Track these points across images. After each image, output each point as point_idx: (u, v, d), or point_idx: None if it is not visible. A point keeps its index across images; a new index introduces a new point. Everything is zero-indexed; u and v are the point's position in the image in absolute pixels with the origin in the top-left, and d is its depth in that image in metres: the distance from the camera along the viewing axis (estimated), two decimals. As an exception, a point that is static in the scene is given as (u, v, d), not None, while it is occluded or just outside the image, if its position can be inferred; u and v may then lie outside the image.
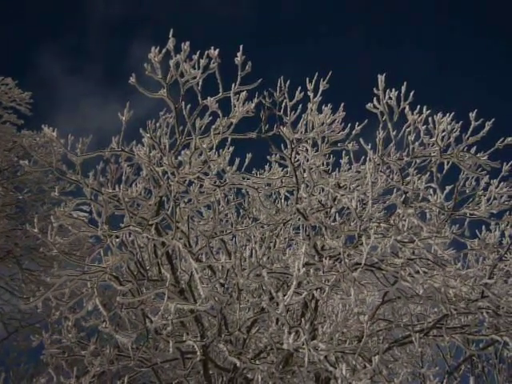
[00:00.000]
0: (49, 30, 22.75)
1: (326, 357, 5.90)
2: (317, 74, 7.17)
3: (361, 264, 5.99)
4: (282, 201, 8.40)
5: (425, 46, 23.15)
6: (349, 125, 7.48)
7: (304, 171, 7.25)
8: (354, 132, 7.53)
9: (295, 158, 7.37)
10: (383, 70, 7.08)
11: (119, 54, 25.24)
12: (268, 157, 8.01)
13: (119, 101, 26.43)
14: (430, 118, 7.24)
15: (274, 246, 7.38)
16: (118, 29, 24.39)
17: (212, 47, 6.42)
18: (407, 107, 7.22)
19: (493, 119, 7.26)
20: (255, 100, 6.86)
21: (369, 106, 7.22)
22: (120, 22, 24.59)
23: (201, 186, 6.96)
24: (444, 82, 22.58)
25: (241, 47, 6.36)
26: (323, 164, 7.73)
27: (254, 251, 6.61)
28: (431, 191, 7.38)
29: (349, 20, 23.04)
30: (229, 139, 7.02)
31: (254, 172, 8.25)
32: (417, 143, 7.31)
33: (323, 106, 7.35)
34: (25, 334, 11.75)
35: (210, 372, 7.16)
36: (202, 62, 6.43)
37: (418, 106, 7.27)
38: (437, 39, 22.71)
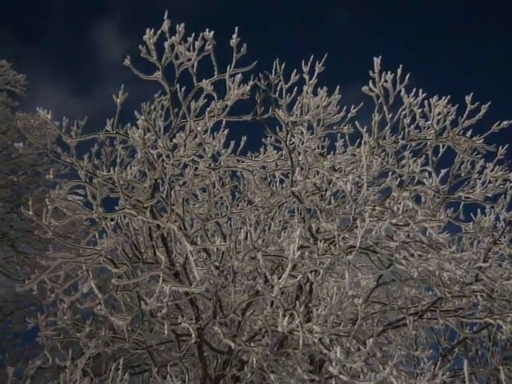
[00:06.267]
0: (6, 11, 22.37)
1: (320, 339, 5.92)
2: (312, 56, 7.15)
3: (355, 247, 5.99)
4: (277, 184, 8.40)
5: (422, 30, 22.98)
6: (344, 107, 7.47)
7: (299, 154, 7.23)
8: (349, 115, 7.51)
9: (290, 140, 7.36)
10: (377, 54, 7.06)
11: (77, 35, 24.91)
12: (263, 139, 8.00)
13: (74, 84, 26.21)
14: (425, 101, 7.23)
15: (269, 229, 7.38)
16: (78, 10, 24.05)
17: (207, 29, 6.40)
18: (403, 90, 7.20)
19: (489, 102, 7.27)
20: (250, 82, 6.83)
21: (364, 88, 7.20)
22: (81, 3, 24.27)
23: (196, 168, 6.95)
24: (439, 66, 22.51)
25: (236, 29, 6.33)
26: (318, 147, 7.70)
27: (249, 234, 6.63)
28: (426, 174, 7.37)
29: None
30: (224, 122, 6.99)
31: (249, 155, 8.20)
32: (412, 126, 7.31)
33: (319, 89, 7.32)
34: (20, 316, 11.78)
35: (205, 354, 7.19)
36: (198, 43, 6.40)
37: (414, 89, 7.26)
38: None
